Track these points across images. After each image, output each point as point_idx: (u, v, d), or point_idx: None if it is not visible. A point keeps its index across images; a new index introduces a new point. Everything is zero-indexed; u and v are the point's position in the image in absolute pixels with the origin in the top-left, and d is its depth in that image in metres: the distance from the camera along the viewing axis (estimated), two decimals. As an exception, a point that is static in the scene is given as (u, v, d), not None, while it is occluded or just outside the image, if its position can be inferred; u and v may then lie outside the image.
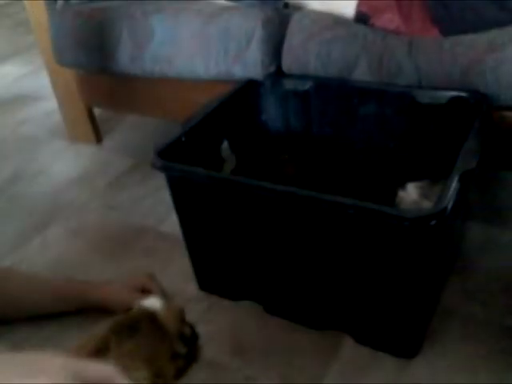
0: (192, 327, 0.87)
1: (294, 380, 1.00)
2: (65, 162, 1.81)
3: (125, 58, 1.54)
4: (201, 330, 1.09)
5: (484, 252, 1.25)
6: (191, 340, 0.85)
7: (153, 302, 0.84)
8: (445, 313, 1.10)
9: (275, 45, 1.37)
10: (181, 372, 0.82)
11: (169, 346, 0.80)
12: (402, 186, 1.21)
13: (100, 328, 0.79)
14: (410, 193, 1.20)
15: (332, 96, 1.31)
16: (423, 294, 0.97)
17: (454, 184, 0.88)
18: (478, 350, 1.02)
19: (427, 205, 1.13)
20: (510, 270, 1.18)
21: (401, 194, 1.20)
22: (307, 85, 1.32)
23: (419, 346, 1.03)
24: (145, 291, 1.12)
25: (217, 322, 1.14)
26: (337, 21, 1.34)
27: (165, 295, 1.14)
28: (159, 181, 1.11)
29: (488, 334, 1.05)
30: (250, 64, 1.37)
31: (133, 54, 1.52)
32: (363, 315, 1.03)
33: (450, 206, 0.84)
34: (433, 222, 0.83)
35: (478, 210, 1.35)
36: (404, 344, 1.03)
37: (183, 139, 1.12)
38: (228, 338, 1.10)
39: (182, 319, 0.84)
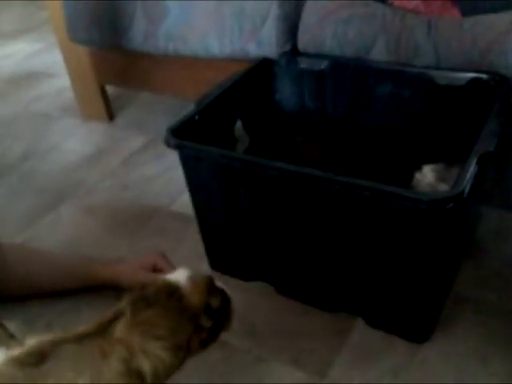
0: (223, 294, 0.86)
1: (305, 362, 1.00)
2: (77, 140, 1.80)
3: (138, 35, 1.52)
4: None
5: (498, 238, 1.24)
6: (219, 311, 0.84)
7: (177, 275, 0.83)
8: (458, 298, 1.09)
9: (291, 23, 1.34)
10: (206, 343, 0.82)
11: (191, 319, 0.79)
12: (419, 168, 1.20)
13: (120, 302, 0.79)
14: (426, 175, 1.18)
15: (348, 76, 1.28)
16: (437, 278, 0.96)
17: (473, 166, 0.86)
18: (490, 337, 1.02)
19: (443, 188, 1.12)
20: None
21: (417, 176, 1.18)
22: (323, 64, 1.29)
23: (431, 331, 1.03)
24: (157, 270, 1.12)
25: (228, 302, 1.13)
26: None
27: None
28: (172, 159, 1.10)
29: (500, 320, 1.04)
30: (264, 42, 1.35)
31: (147, 31, 1.50)
32: (376, 298, 1.02)
33: (467, 189, 0.83)
34: (450, 205, 0.82)
35: (493, 194, 1.33)
36: (416, 328, 1.02)
37: (197, 118, 1.10)
38: (239, 319, 1.08)
39: (209, 290, 0.83)
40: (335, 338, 1.04)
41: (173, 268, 1.13)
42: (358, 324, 1.06)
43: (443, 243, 0.91)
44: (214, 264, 1.21)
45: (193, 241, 1.22)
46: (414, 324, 1.02)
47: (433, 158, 1.21)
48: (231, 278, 1.18)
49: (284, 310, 1.10)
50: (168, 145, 1.03)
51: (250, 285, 1.16)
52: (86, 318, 1.10)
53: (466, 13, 1.24)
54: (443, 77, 1.17)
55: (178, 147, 1.03)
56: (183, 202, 1.17)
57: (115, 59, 1.70)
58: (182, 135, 1.04)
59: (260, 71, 1.33)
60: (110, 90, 1.87)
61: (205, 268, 1.21)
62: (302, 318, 1.08)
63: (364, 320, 1.06)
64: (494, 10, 1.19)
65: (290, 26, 1.34)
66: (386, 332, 1.03)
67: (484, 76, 1.13)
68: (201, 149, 1.02)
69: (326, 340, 1.04)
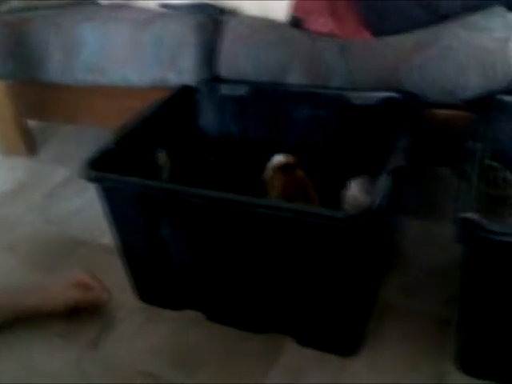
0: None
1: (237, 387, 1.00)
2: (-3, 176, 1.74)
3: (55, 68, 1.50)
4: (142, 342, 1.09)
5: (420, 247, 1.28)
6: None
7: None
8: (384, 309, 1.12)
9: (209, 50, 1.36)
10: None
11: None
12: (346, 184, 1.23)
13: None
14: (352, 189, 1.21)
15: (267, 100, 1.31)
16: (359, 291, 0.98)
17: (385, 182, 0.89)
18: (417, 344, 1.04)
19: (366, 199, 1.14)
20: (444, 263, 1.21)
21: (345, 192, 1.21)
22: (242, 90, 1.31)
23: (359, 344, 1.04)
24: (82, 286, 1.12)
25: (158, 333, 1.11)
26: (270, 25, 1.35)
27: (105, 288, 1.14)
28: (96, 191, 1.08)
29: (425, 327, 1.08)
30: (183, 70, 1.36)
31: (63, 64, 1.48)
32: (303, 315, 1.03)
33: (381, 204, 0.86)
34: (365, 221, 0.84)
35: (413, 205, 1.38)
36: (343, 341, 1.03)
37: (116, 148, 1.09)
38: (170, 350, 1.07)
39: None
40: (267, 359, 1.04)
41: (102, 284, 1.13)
42: (289, 343, 1.06)
43: (362, 257, 0.93)
44: (142, 295, 1.19)
45: (119, 273, 1.18)
46: (342, 338, 1.03)
47: (358, 173, 1.24)
48: (160, 309, 1.16)
49: (215, 337, 1.09)
50: (86, 178, 1.01)
51: (180, 314, 1.15)
52: (17, 352, 1.07)
53: (376, 34, 1.29)
54: (357, 97, 1.22)
55: (95, 180, 1.02)
56: (109, 233, 1.14)
57: (33, 92, 1.66)
58: (102, 167, 1.03)
59: (181, 98, 1.34)
60: (32, 123, 1.82)
61: (133, 300, 1.19)
62: (234, 342, 1.08)
63: (294, 339, 1.07)
64: (402, 31, 1.25)
65: (208, 53, 1.36)
66: (316, 349, 1.04)
67: (395, 94, 1.19)
68: (120, 179, 1.01)
69: (258, 362, 1.03)
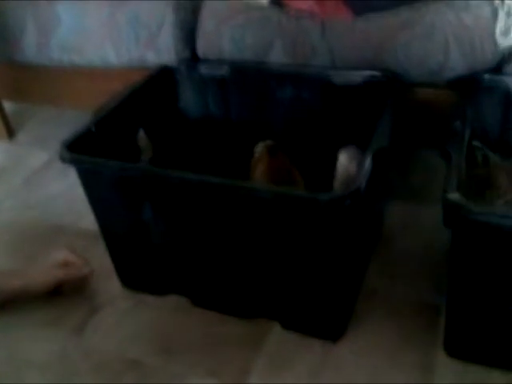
0: None
1: (221, 373, 0.98)
2: (-25, 160, 1.71)
3: (31, 47, 1.47)
4: (126, 329, 1.07)
5: (405, 231, 1.27)
6: None
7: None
8: (369, 294, 1.11)
9: (188, 30, 1.33)
10: None
11: None
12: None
13: None
14: (341, 160, 1.18)
15: (249, 80, 1.29)
16: (343, 275, 0.97)
17: (368, 163, 0.88)
18: (403, 329, 1.04)
19: (355, 167, 1.12)
20: (428, 248, 1.21)
21: (337, 165, 1.19)
22: (224, 70, 1.29)
23: (344, 328, 1.04)
24: (68, 264, 1.12)
25: (142, 319, 1.10)
26: (250, 4, 1.32)
27: (87, 263, 1.15)
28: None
29: (412, 311, 1.07)
30: (162, 50, 1.33)
31: (39, 43, 1.45)
32: (289, 300, 1.02)
33: (363, 186, 0.84)
34: (347, 203, 0.83)
35: (398, 189, 1.37)
36: (328, 327, 1.03)
37: (93, 130, 1.06)
38: (154, 336, 1.06)
39: None
40: (252, 345, 1.03)
41: (84, 259, 1.13)
42: (275, 328, 1.06)
43: (345, 240, 0.92)
44: (126, 281, 1.17)
45: (101, 258, 1.17)
46: (327, 322, 1.02)
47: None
48: (145, 294, 1.14)
49: (200, 322, 1.08)
50: (63, 160, 0.99)
51: (164, 299, 1.13)
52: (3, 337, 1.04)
53: (357, 12, 1.27)
54: (340, 76, 1.20)
55: (73, 162, 0.99)
56: (90, 218, 1.12)
57: (11, 73, 1.62)
58: (79, 149, 1.00)
59: (161, 79, 1.31)
60: (9, 105, 1.78)
61: (116, 286, 1.17)
62: (219, 327, 1.07)
63: (280, 324, 1.06)
64: (385, 9, 1.23)
65: (188, 32, 1.33)
66: (302, 333, 1.04)
67: (378, 74, 1.17)
68: (98, 162, 0.99)
69: (243, 348, 1.02)
